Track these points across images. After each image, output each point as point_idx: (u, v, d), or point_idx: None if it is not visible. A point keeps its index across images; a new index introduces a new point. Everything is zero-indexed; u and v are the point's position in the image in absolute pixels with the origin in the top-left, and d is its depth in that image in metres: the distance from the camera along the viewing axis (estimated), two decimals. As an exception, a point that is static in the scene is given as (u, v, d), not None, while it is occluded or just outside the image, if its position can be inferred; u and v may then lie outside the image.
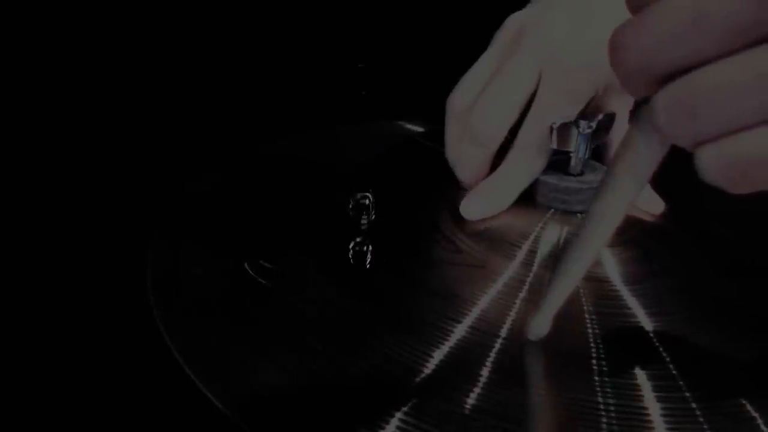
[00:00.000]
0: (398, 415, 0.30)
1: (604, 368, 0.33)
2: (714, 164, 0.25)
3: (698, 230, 0.46)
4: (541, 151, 0.43)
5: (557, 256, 0.37)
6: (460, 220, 0.43)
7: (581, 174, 0.43)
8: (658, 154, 0.28)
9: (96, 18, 0.59)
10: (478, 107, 0.44)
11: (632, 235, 0.42)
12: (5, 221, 0.50)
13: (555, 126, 0.41)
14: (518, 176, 0.44)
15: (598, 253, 0.32)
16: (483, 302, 0.37)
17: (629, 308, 0.37)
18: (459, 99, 0.45)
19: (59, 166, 0.56)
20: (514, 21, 0.46)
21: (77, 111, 0.59)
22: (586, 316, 0.36)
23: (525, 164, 0.44)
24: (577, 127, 0.41)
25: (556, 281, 0.33)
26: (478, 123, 0.44)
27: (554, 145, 0.42)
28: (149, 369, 0.39)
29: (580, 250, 0.32)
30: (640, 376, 0.33)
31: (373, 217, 0.43)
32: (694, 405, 0.32)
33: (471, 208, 0.44)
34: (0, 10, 0.56)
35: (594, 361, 0.34)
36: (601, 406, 0.31)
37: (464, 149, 0.45)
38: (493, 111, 0.44)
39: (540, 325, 0.34)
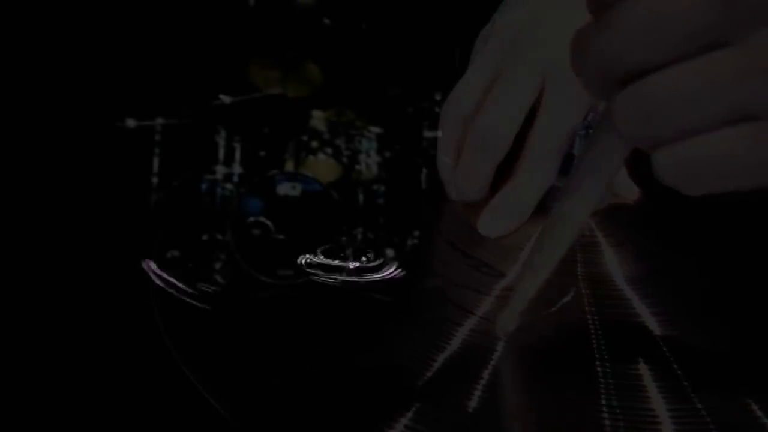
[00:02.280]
0: (398, 417, 0.30)
1: (608, 369, 0.33)
2: (669, 166, 0.25)
3: (700, 228, 0.45)
4: (554, 158, 0.41)
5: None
6: (461, 221, 0.43)
7: None
8: (620, 155, 0.28)
9: (94, 20, 0.59)
10: (486, 115, 0.42)
11: (633, 233, 0.42)
12: (5, 223, 0.50)
13: (580, 133, 0.41)
14: (535, 186, 0.42)
15: (565, 252, 0.32)
16: (485, 304, 0.37)
17: (633, 308, 0.37)
18: (456, 107, 0.43)
19: (59, 165, 0.56)
20: (505, 25, 0.44)
21: (76, 111, 0.59)
22: (589, 317, 0.36)
23: (541, 173, 0.42)
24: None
25: (525, 279, 0.34)
26: (486, 131, 0.42)
27: (576, 151, 0.41)
28: (149, 369, 0.39)
29: (547, 249, 0.32)
30: (645, 377, 0.33)
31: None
32: (699, 405, 0.31)
33: (491, 224, 0.42)
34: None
35: (597, 362, 0.34)
36: (605, 408, 0.31)
37: (467, 158, 0.43)
38: (501, 118, 0.42)
39: (508, 321, 0.34)
